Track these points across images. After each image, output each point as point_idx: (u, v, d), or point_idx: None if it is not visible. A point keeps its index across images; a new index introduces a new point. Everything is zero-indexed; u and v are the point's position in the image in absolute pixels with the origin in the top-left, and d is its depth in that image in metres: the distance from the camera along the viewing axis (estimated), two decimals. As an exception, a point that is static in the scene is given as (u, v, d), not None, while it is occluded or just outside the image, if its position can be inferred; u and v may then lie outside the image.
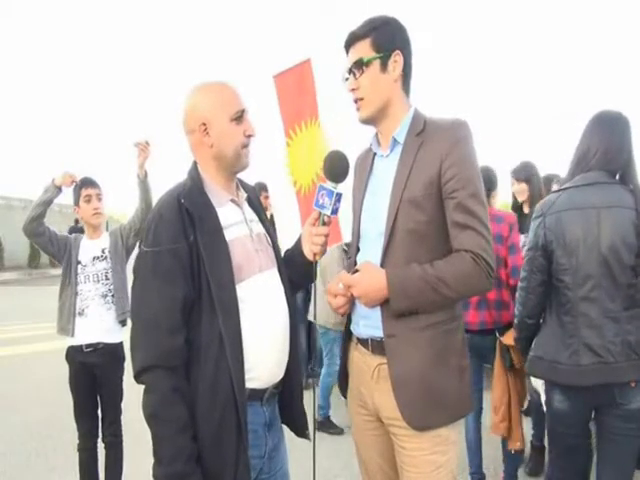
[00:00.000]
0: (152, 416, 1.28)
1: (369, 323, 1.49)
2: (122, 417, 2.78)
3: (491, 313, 2.72)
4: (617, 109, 1.97)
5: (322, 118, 2.88)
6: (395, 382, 1.42)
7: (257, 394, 1.42)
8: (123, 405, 2.77)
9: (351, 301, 1.51)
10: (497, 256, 2.73)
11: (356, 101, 1.51)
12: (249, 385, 1.37)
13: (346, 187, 1.60)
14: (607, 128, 1.93)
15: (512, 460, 2.91)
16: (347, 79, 1.51)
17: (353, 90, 1.50)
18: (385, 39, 1.46)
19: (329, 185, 1.48)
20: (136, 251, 1.44)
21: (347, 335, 1.63)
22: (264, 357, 1.42)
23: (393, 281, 1.38)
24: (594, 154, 1.91)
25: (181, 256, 1.32)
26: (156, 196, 2.66)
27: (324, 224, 1.53)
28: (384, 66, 1.46)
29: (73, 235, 2.84)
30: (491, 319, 2.72)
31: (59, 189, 2.73)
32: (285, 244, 1.66)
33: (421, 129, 1.46)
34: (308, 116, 2.97)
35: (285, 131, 3.10)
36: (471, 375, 2.75)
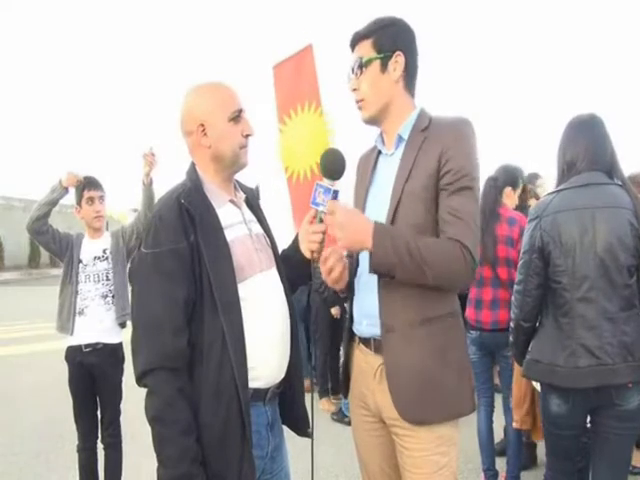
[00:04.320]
0: (156, 418, 1.27)
1: (372, 322, 1.48)
2: (121, 418, 2.77)
3: (504, 313, 2.73)
4: (595, 111, 2.02)
5: (326, 106, 2.78)
6: (390, 376, 1.42)
7: (260, 394, 1.42)
8: (122, 406, 2.76)
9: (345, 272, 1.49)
10: (508, 258, 2.76)
11: (357, 102, 1.52)
12: (252, 385, 1.37)
13: (346, 188, 1.59)
14: (589, 130, 1.97)
15: (517, 459, 2.90)
16: (350, 79, 1.52)
17: (354, 90, 1.51)
18: (387, 40, 1.46)
19: (326, 183, 1.48)
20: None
21: (349, 335, 1.63)
22: (266, 357, 1.42)
23: (379, 232, 1.34)
24: (582, 158, 1.93)
25: (182, 256, 1.31)
26: (157, 197, 2.66)
27: (321, 221, 1.53)
28: (384, 67, 1.46)
29: (75, 233, 2.83)
30: (504, 318, 2.73)
31: (66, 190, 2.73)
32: (276, 235, 1.64)
33: (426, 126, 1.46)
34: (306, 99, 2.85)
35: (279, 118, 3.02)
36: (480, 374, 2.81)
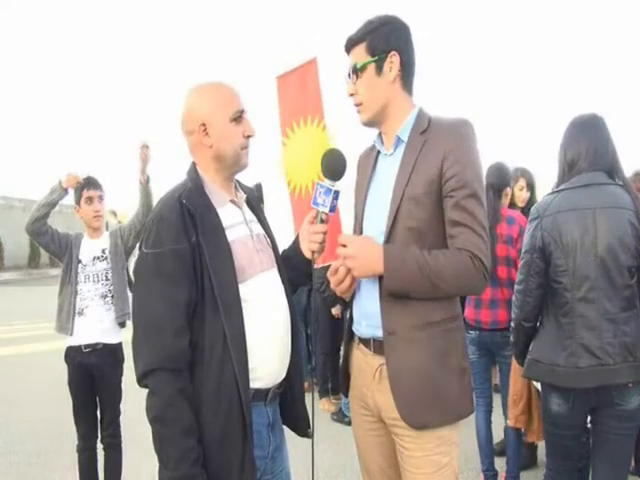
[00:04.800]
0: (157, 419, 1.27)
1: (371, 323, 1.48)
2: (121, 418, 2.77)
3: (503, 312, 2.74)
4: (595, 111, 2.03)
5: (329, 121, 2.79)
6: (392, 379, 1.42)
7: (261, 394, 1.42)
8: (122, 406, 2.76)
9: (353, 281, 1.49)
10: (508, 257, 2.77)
11: (356, 105, 1.53)
12: (253, 385, 1.37)
13: (347, 189, 1.59)
14: (591, 130, 1.97)
15: (516, 459, 2.90)
16: (348, 83, 1.53)
17: (352, 95, 1.52)
18: (380, 42, 1.46)
19: (327, 183, 1.49)
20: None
21: (349, 335, 1.63)
22: (267, 357, 1.42)
23: (390, 256, 1.37)
24: (584, 158, 1.93)
25: (184, 257, 1.32)
26: (156, 196, 2.66)
27: (322, 222, 1.53)
28: (379, 69, 1.47)
29: (74, 233, 2.84)
30: (503, 318, 2.74)
31: (65, 191, 2.73)
32: (276, 238, 1.65)
33: (425, 128, 1.46)
34: (309, 113, 2.86)
35: (282, 131, 3.03)
36: (478, 374, 2.82)
